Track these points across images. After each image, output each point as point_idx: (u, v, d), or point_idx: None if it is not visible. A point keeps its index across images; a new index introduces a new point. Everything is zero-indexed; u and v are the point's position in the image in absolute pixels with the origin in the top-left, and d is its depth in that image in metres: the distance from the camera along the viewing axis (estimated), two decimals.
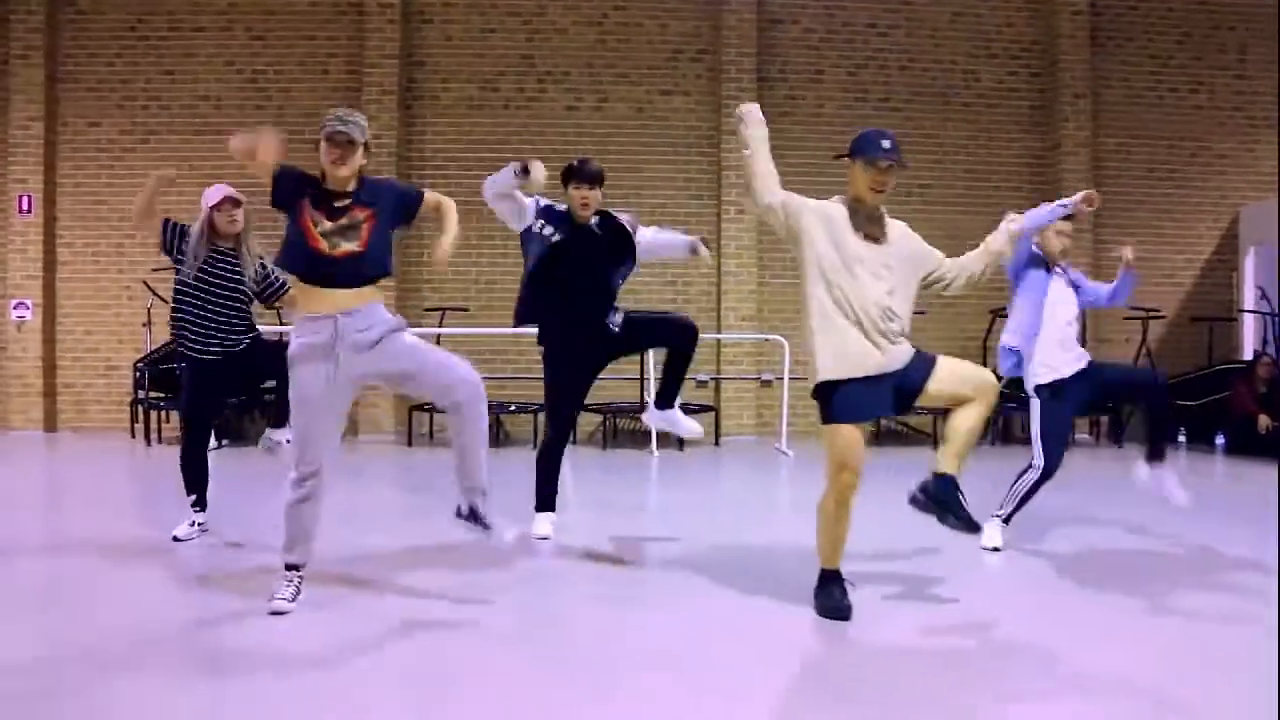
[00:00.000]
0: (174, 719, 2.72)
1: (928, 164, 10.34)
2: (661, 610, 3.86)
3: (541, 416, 9.44)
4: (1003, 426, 10.12)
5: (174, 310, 4.84)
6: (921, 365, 3.67)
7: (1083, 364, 4.87)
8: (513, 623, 3.63)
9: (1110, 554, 4.85)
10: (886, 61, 10.73)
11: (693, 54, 10.55)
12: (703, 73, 10.53)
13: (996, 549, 4.72)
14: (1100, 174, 10.73)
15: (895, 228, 3.79)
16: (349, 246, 3.58)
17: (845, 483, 3.53)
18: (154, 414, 9.17)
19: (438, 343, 9.54)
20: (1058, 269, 4.91)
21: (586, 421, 9.94)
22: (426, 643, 3.39)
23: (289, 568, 3.69)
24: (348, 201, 3.64)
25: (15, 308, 10.08)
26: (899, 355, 3.64)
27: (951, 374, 3.66)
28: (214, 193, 4.73)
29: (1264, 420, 8.82)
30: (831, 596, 3.67)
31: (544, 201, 4.66)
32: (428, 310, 9.87)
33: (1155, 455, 4.85)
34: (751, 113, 3.74)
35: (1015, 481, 4.86)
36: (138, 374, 9.39)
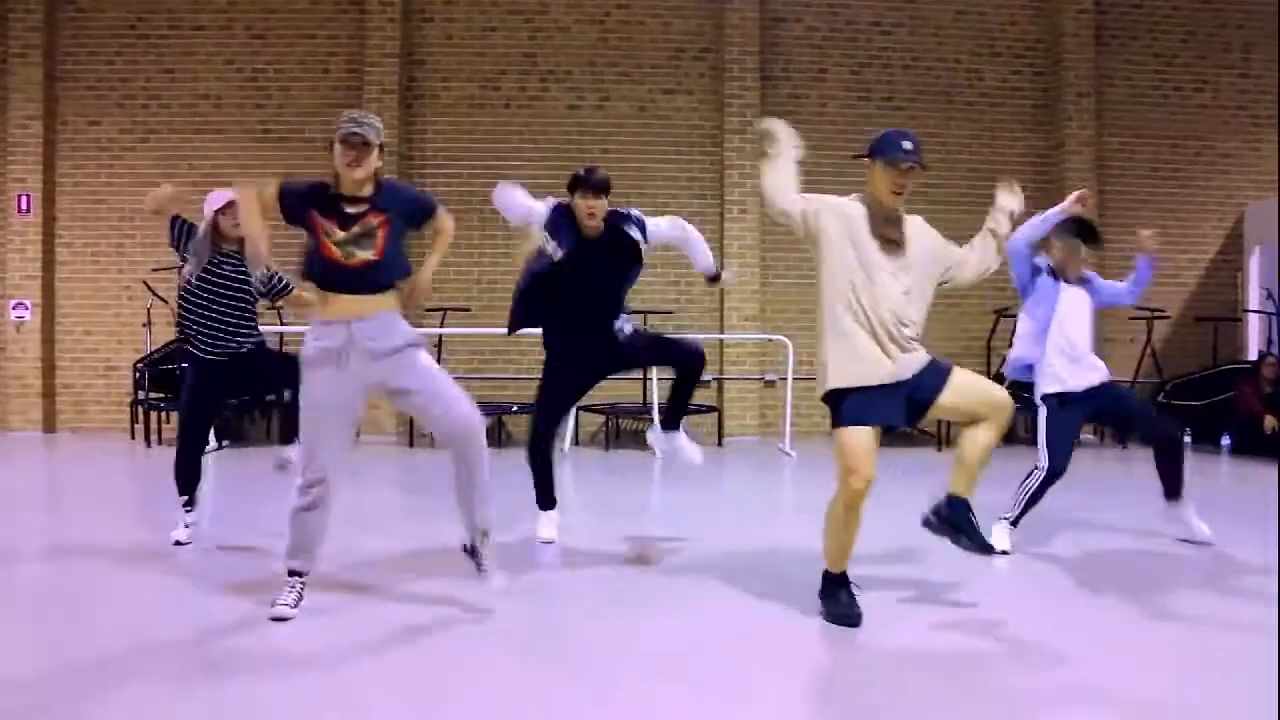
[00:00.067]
0: None
1: (931, 163, 10.11)
2: (664, 613, 3.83)
3: None
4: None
5: (181, 311, 4.83)
6: (935, 375, 3.59)
7: (1096, 381, 4.84)
8: (514, 625, 3.60)
9: (1116, 556, 4.83)
10: (890, 60, 10.68)
11: (695, 52, 10.51)
12: (705, 71, 10.48)
13: (1005, 552, 4.68)
14: (1104, 173, 10.70)
15: (913, 225, 3.70)
16: (365, 255, 3.52)
17: (855, 488, 3.47)
18: (154, 415, 9.12)
19: (439, 343, 9.56)
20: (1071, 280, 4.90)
21: (589, 422, 9.91)
22: (427, 644, 3.37)
23: (291, 573, 3.65)
24: (363, 207, 3.56)
25: (14, 308, 10.03)
26: (911, 363, 3.57)
27: (966, 389, 3.58)
28: (218, 197, 4.70)
29: (1270, 421, 8.77)
30: (839, 603, 3.62)
31: (555, 203, 4.59)
32: (429, 310, 9.83)
33: (1172, 494, 4.96)
34: (772, 132, 3.65)
35: (1021, 483, 4.83)
36: (137, 374, 9.35)
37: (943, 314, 9.76)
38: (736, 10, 10.28)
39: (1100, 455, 9.17)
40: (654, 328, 8.88)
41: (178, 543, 4.73)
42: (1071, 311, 4.87)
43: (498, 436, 9.75)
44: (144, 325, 9.74)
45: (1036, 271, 4.91)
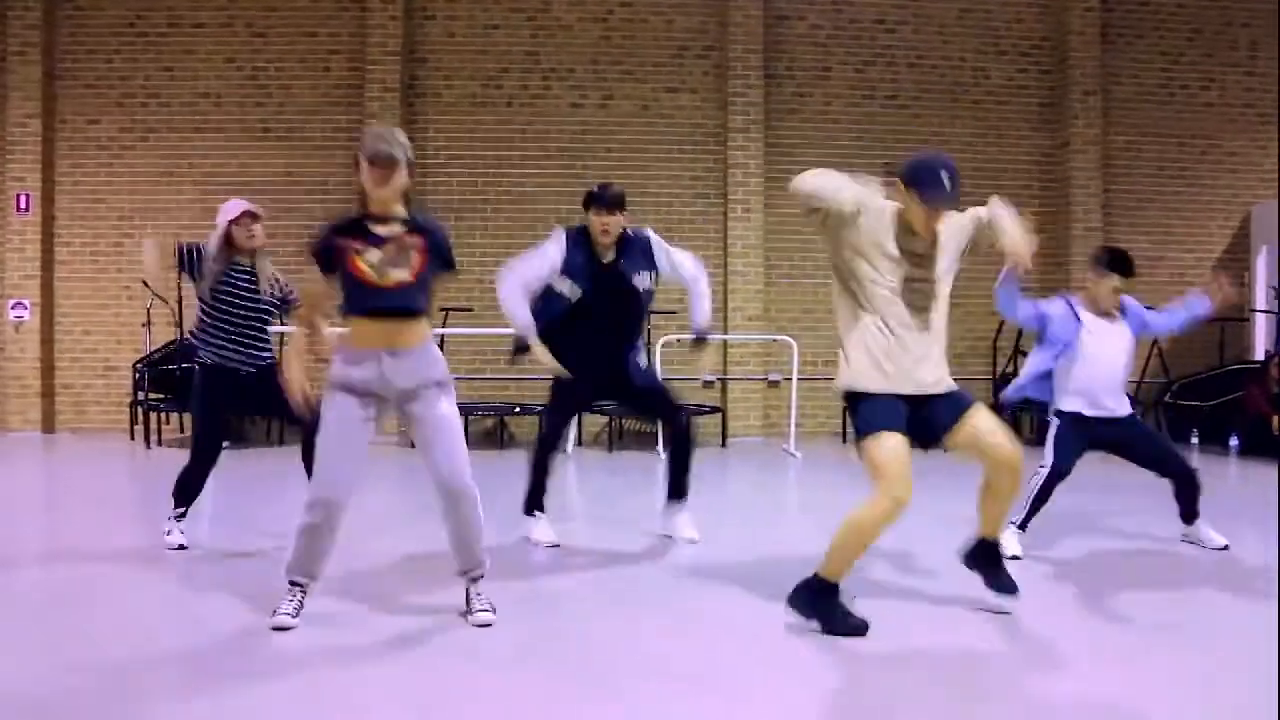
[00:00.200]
0: None
1: None
2: (664, 613, 3.83)
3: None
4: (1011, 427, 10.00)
5: (198, 326, 4.73)
6: (955, 405, 3.54)
7: (1116, 414, 4.76)
8: (515, 625, 3.58)
9: (1122, 558, 4.82)
10: (894, 58, 10.61)
11: (699, 50, 10.43)
12: (709, 69, 10.41)
13: (1015, 557, 4.61)
14: (1110, 171, 10.63)
15: (945, 229, 3.54)
16: (400, 275, 3.40)
17: (897, 498, 3.33)
18: (154, 415, 9.06)
19: (441, 343, 9.47)
20: (1105, 317, 4.78)
21: (592, 423, 9.84)
22: (427, 645, 3.36)
23: (293, 584, 3.58)
24: (396, 228, 3.46)
25: (13, 308, 9.96)
26: (932, 381, 3.53)
27: (984, 430, 3.51)
28: (232, 206, 4.63)
29: (1278, 421, 8.70)
30: (839, 614, 3.53)
31: (565, 241, 4.58)
32: None
33: (1189, 520, 4.98)
34: (803, 184, 3.46)
35: (1027, 483, 4.78)
36: (137, 375, 9.29)
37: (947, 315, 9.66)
38: (740, 8, 10.20)
39: (1106, 456, 9.08)
40: (656, 328, 8.83)
41: (182, 547, 4.67)
42: (1099, 351, 4.72)
43: (499, 437, 9.70)
44: (143, 325, 9.68)
45: (1043, 317, 4.78)
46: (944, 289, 3.60)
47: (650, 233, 4.77)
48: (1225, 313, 10.13)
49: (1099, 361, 4.72)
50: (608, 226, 4.57)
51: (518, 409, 9.39)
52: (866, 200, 3.46)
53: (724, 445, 9.67)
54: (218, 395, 4.70)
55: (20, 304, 9.97)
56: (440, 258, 3.54)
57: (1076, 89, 10.48)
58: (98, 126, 10.20)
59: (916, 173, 3.41)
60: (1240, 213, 10.86)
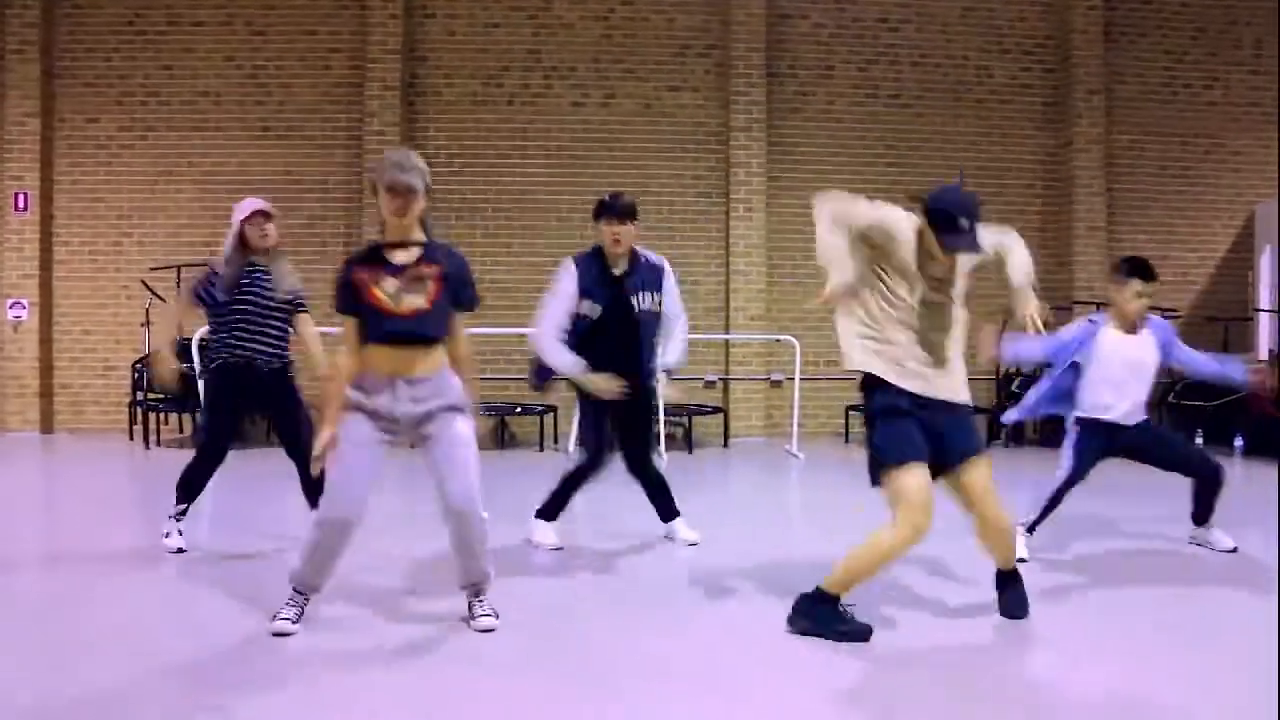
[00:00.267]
0: None
1: (939, 161, 10.18)
2: (665, 613, 3.83)
3: (547, 419, 9.34)
4: (1013, 428, 9.96)
5: (211, 330, 4.69)
6: (968, 437, 3.55)
7: (1130, 421, 4.71)
8: (516, 626, 3.58)
9: (1123, 559, 4.81)
10: (897, 57, 10.57)
11: (701, 49, 10.39)
12: (711, 68, 10.37)
13: (1023, 560, 4.57)
14: (1113, 171, 10.60)
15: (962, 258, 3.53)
16: (416, 302, 3.37)
17: (918, 527, 3.35)
18: (153, 415, 9.03)
19: None
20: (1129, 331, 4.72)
21: None
22: (428, 646, 3.35)
23: (296, 591, 3.54)
24: (414, 255, 3.43)
25: (11, 307, 9.93)
26: (947, 389, 3.50)
27: (979, 491, 3.54)
28: (245, 205, 4.59)
29: None
30: (838, 621, 3.49)
31: (575, 268, 4.62)
32: None
33: (1201, 520, 4.96)
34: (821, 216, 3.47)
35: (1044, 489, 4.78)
36: (136, 375, 9.25)
37: None
38: (742, 6, 10.17)
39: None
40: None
41: (182, 550, 4.63)
42: (1114, 355, 4.65)
43: (500, 437, 9.66)
44: (142, 325, 9.65)
45: (1061, 343, 4.76)
46: (961, 313, 3.60)
47: (667, 264, 4.87)
48: (1230, 312, 10.13)
49: (1112, 364, 4.66)
50: (619, 235, 4.61)
51: (518, 409, 9.35)
52: (890, 226, 3.44)
53: (726, 445, 9.63)
54: (233, 395, 4.67)
55: (19, 303, 9.93)
56: (455, 290, 3.48)
57: (1080, 88, 10.44)
58: (96, 125, 10.16)
59: (936, 215, 3.37)
60: (1244, 212, 10.82)
